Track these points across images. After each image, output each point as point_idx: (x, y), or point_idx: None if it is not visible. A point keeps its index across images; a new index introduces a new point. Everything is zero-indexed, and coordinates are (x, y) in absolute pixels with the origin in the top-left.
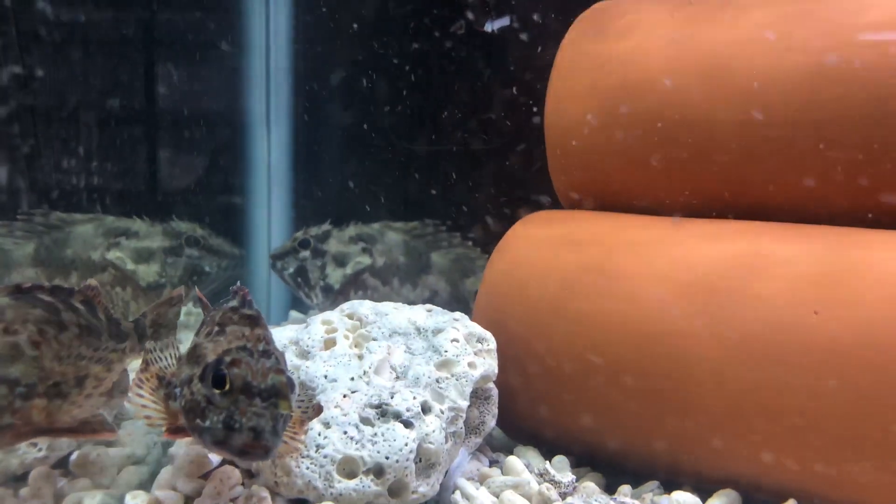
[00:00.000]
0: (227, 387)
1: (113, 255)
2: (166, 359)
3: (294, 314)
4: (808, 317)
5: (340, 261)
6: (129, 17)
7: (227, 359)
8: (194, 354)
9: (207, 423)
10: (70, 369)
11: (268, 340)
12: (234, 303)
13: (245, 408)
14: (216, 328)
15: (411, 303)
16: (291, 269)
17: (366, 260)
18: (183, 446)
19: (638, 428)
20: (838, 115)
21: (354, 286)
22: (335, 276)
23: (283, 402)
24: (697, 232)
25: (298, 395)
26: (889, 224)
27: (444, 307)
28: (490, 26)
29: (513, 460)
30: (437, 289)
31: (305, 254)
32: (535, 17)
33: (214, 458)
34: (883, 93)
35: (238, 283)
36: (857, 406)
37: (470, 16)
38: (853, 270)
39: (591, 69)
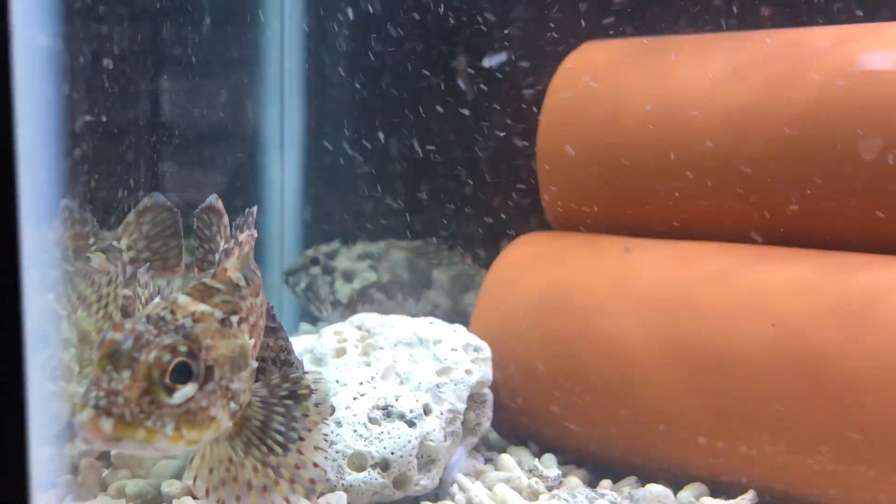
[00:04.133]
0: None
1: None
2: None
3: (304, 326)
4: (766, 328)
5: (348, 277)
6: (145, 36)
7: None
8: None
9: None
10: None
11: (289, 350)
12: None
13: None
14: None
15: (414, 316)
16: (303, 285)
17: (372, 276)
18: None
19: (605, 428)
20: (789, 151)
21: (362, 300)
22: (344, 291)
23: (302, 406)
24: (670, 252)
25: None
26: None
27: (444, 320)
28: (489, 62)
29: (505, 458)
30: (438, 303)
31: (316, 270)
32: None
33: None
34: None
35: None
36: (803, 407)
37: (481, 46)
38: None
39: (578, 104)
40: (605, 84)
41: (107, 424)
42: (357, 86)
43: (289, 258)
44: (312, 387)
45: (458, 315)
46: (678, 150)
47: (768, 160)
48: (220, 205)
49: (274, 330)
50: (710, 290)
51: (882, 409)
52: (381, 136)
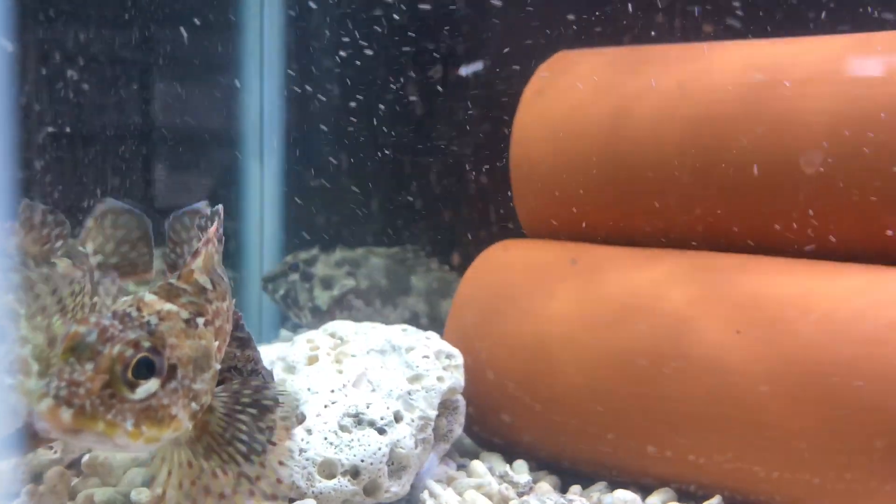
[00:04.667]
0: None
1: None
2: None
3: (284, 333)
4: (731, 335)
5: (327, 283)
6: (124, 41)
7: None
8: None
9: None
10: None
11: (256, 360)
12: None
13: None
14: None
15: (392, 322)
16: (282, 291)
17: (350, 283)
18: None
19: (567, 437)
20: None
21: (340, 307)
22: (322, 297)
23: (269, 416)
24: (635, 259)
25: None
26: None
27: (422, 326)
28: (465, 71)
29: (476, 464)
30: (416, 309)
31: (295, 277)
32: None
33: None
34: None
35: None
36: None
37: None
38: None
39: (550, 114)
40: (578, 93)
41: (66, 415)
42: (337, 93)
43: (269, 265)
44: (279, 399)
45: (435, 321)
46: (648, 158)
47: (740, 168)
48: (206, 210)
49: (242, 340)
50: (676, 296)
51: (833, 413)
52: (360, 143)
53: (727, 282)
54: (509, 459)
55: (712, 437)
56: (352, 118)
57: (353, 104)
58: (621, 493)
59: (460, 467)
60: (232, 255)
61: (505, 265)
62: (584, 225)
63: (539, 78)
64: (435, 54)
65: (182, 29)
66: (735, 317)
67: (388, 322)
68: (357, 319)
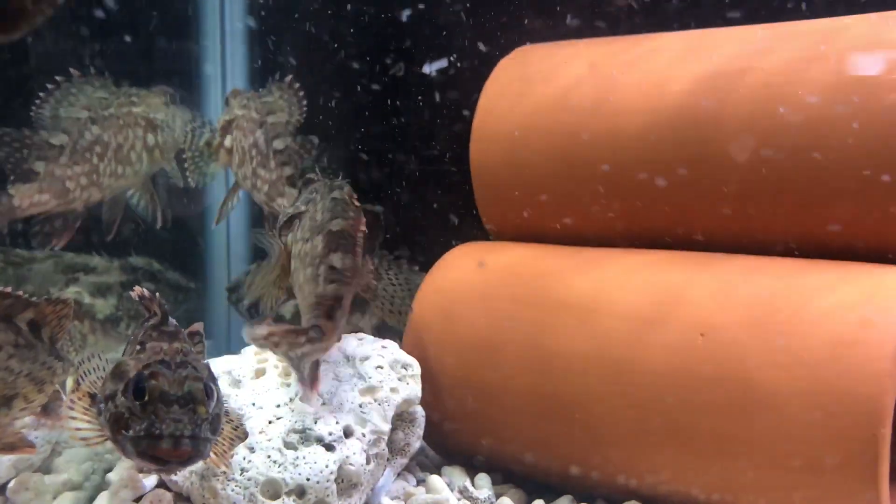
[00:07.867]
0: (147, 398)
1: (71, 290)
2: (95, 372)
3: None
4: (696, 339)
5: (291, 292)
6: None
7: (146, 373)
8: (117, 371)
9: (130, 432)
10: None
11: (185, 353)
12: (154, 321)
13: (163, 415)
14: (138, 347)
15: (361, 329)
16: (246, 302)
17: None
18: (119, 471)
19: (522, 446)
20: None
21: None
22: (286, 306)
23: (201, 407)
24: (597, 260)
25: (228, 417)
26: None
27: (392, 332)
28: (429, 68)
29: (434, 479)
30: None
31: None
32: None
33: (148, 482)
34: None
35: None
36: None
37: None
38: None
39: (511, 111)
40: (538, 89)
41: None
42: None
43: (235, 273)
44: None
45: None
46: (609, 155)
47: (703, 163)
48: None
49: (169, 334)
50: (637, 298)
51: (802, 419)
52: (323, 146)
53: (691, 282)
54: (473, 473)
55: (678, 446)
56: (315, 119)
57: (317, 105)
58: None
59: (420, 482)
60: (198, 265)
61: (462, 269)
62: (544, 226)
63: (498, 76)
64: (401, 53)
65: (143, 37)
66: (700, 319)
67: (356, 329)
68: None
